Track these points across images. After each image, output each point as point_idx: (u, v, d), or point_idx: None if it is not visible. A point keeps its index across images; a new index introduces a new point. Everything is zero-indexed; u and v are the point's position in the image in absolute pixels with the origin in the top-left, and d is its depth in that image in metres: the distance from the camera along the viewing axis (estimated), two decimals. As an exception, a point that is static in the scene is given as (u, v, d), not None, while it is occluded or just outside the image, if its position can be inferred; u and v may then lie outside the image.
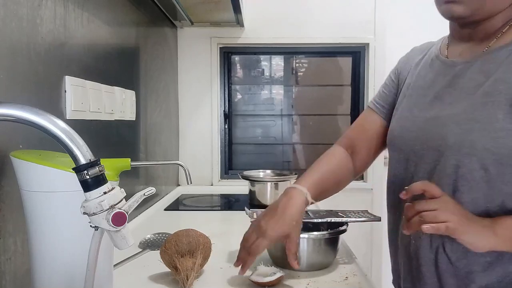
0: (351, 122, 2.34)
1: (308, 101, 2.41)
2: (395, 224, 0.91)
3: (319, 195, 0.92)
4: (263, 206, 1.69)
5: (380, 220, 0.99)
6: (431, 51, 0.93)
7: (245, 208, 1.05)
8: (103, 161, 0.51)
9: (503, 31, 0.79)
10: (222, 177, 2.30)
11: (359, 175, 1.06)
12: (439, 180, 0.78)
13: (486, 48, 0.79)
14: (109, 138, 1.27)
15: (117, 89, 1.28)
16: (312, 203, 0.89)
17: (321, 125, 2.41)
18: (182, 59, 2.23)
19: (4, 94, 0.74)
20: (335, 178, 0.98)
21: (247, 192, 1.75)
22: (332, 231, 0.99)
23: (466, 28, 0.82)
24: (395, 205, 0.91)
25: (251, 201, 1.73)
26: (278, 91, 2.40)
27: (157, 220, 1.50)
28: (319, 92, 2.39)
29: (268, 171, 1.86)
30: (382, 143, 0.99)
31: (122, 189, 0.53)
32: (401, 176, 0.88)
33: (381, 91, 1.02)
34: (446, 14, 0.80)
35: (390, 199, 0.94)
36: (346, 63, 2.35)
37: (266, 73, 2.39)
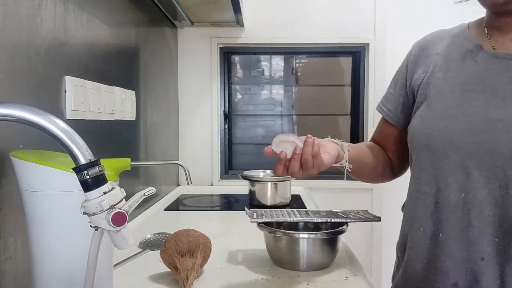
0: (351, 122, 2.35)
1: (308, 101, 2.41)
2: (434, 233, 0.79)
3: (356, 155, 0.87)
4: (263, 206, 1.70)
5: (380, 220, 0.99)
6: (457, 41, 0.83)
7: (245, 208, 1.05)
8: (103, 161, 0.51)
9: None
10: (222, 177, 2.30)
11: (399, 175, 1.00)
12: None
13: None
14: (109, 138, 1.27)
15: (117, 89, 1.28)
16: (345, 164, 0.84)
17: (321, 125, 2.41)
18: (182, 59, 2.23)
19: (4, 94, 0.74)
20: (370, 151, 0.94)
21: (247, 192, 1.75)
22: (332, 231, 0.99)
23: None
24: (430, 221, 0.79)
25: (251, 201, 1.73)
26: (278, 91, 2.40)
27: (157, 220, 1.50)
28: (319, 92, 2.39)
29: (268, 171, 1.86)
30: (406, 146, 0.90)
31: (122, 189, 0.53)
32: (446, 185, 0.77)
33: (389, 92, 0.94)
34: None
35: (425, 214, 0.80)
36: (346, 63, 2.35)
37: (266, 73, 2.39)
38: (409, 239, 0.83)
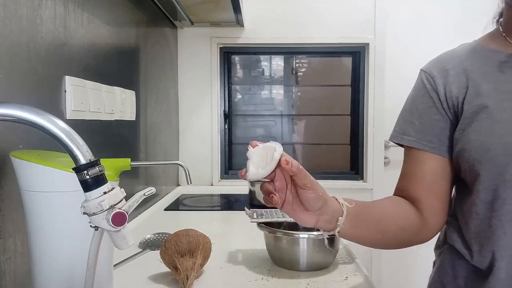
0: (351, 122, 2.35)
1: (308, 101, 2.41)
2: None
3: (358, 213, 0.73)
4: (263, 206, 1.68)
5: (380, 220, 0.99)
6: (481, 56, 0.80)
7: (245, 208, 1.05)
8: (103, 161, 0.51)
9: None
10: (222, 177, 2.30)
11: (437, 229, 0.83)
12: None
13: None
14: (109, 138, 1.27)
15: (117, 89, 1.28)
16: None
17: (321, 125, 2.41)
18: (182, 59, 2.23)
19: (4, 94, 0.74)
20: (382, 210, 0.80)
21: (247, 192, 1.75)
22: (332, 231, 0.98)
23: None
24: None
25: (251, 201, 1.72)
26: (278, 91, 2.40)
27: (157, 220, 1.51)
28: (319, 92, 2.39)
29: (268, 171, 1.86)
30: (449, 183, 0.81)
31: (122, 189, 0.53)
32: None
33: (417, 123, 0.82)
34: None
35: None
36: (346, 63, 2.35)
37: (266, 73, 2.39)
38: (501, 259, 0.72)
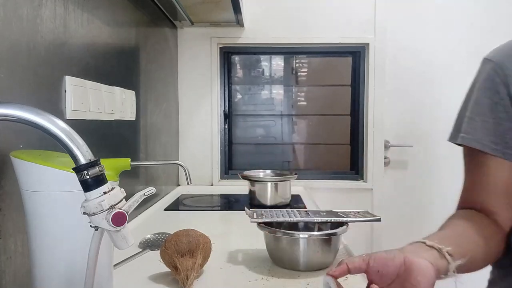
0: (351, 122, 2.35)
1: (308, 101, 2.41)
2: None
3: (463, 255, 0.63)
4: (263, 206, 1.70)
5: (380, 220, 0.99)
6: None
7: (245, 208, 1.05)
8: (103, 161, 0.51)
9: None
10: (222, 177, 2.30)
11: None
12: None
13: None
14: (109, 138, 1.27)
15: (117, 89, 1.28)
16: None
17: (321, 125, 2.41)
18: (182, 59, 2.23)
19: (4, 94, 0.74)
20: (475, 233, 0.70)
21: (247, 192, 1.75)
22: (332, 231, 0.99)
23: None
24: None
25: (251, 201, 1.73)
26: (278, 91, 2.40)
27: (157, 220, 1.50)
28: (319, 92, 2.39)
29: (268, 171, 1.86)
30: None
31: (122, 189, 0.53)
32: None
33: (478, 120, 0.73)
34: None
35: None
36: (346, 63, 2.35)
37: (266, 73, 2.39)
38: None
